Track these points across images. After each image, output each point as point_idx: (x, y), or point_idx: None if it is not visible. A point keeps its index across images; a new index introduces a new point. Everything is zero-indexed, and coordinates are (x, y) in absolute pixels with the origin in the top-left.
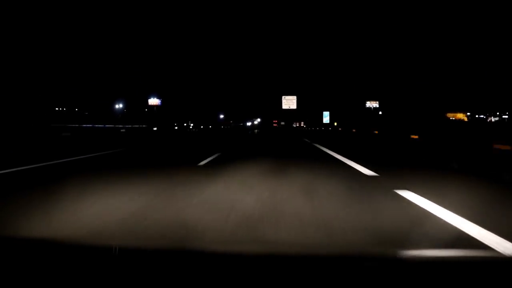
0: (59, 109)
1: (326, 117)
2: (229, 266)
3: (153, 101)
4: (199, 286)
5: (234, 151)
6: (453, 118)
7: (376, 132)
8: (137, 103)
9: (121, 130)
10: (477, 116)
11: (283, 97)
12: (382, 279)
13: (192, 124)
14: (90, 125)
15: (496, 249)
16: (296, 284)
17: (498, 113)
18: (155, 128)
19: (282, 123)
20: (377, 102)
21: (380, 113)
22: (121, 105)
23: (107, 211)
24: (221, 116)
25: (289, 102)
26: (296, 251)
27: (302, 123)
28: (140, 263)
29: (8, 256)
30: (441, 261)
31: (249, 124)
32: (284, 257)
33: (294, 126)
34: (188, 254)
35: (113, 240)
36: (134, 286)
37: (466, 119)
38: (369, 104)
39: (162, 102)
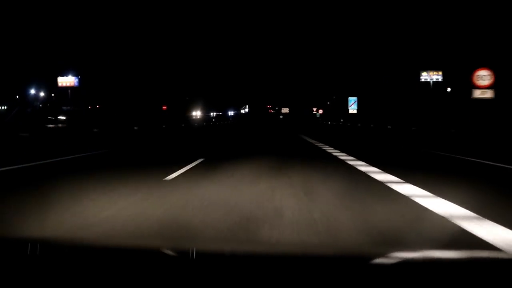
0: None
1: (353, 107)
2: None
3: (66, 80)
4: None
5: None
6: None
7: None
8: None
9: None
10: None
11: None
12: (382, 279)
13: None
14: None
15: None
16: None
17: None
18: None
19: (285, 110)
20: (440, 73)
21: (449, 90)
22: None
23: None
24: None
25: None
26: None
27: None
28: (139, 262)
29: (7, 256)
30: (442, 261)
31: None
32: (285, 257)
33: (317, 114)
34: (188, 254)
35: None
36: (135, 285)
37: None
38: (426, 76)
39: (80, 81)
